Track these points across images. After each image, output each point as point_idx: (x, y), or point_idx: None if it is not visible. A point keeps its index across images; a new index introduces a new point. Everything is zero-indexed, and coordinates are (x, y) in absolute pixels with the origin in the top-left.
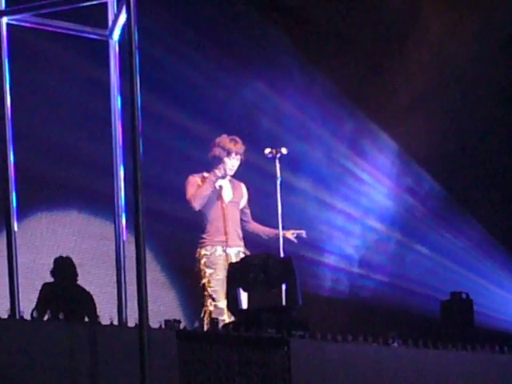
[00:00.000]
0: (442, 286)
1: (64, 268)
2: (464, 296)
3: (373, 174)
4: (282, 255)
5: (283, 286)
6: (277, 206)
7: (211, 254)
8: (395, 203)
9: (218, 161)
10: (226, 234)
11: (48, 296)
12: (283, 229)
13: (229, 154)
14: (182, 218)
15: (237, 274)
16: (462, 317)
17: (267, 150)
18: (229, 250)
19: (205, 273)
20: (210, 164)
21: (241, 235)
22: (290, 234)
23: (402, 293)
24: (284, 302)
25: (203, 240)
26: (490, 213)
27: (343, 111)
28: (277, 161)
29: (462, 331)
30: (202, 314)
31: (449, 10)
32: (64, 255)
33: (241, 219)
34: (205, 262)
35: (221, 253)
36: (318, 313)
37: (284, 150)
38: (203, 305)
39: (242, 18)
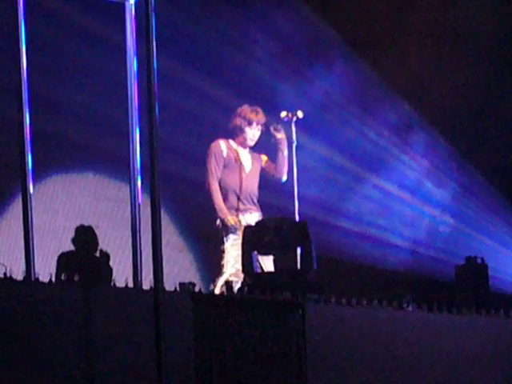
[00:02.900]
0: (457, 251)
1: (85, 238)
2: (479, 261)
3: (387, 137)
4: (297, 219)
5: (298, 250)
6: (292, 170)
7: (233, 221)
8: (410, 167)
9: (239, 131)
10: (239, 205)
11: (66, 265)
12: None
13: (250, 123)
14: (198, 181)
15: (252, 238)
16: (477, 281)
17: (283, 114)
18: (248, 218)
19: (228, 233)
20: (231, 132)
21: (257, 205)
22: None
23: (417, 257)
24: (299, 266)
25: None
26: (506, 177)
27: (357, 74)
28: (293, 124)
29: (476, 296)
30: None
31: None
32: (85, 224)
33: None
34: (234, 223)
35: (243, 222)
36: (333, 277)
37: (300, 114)
38: (221, 267)
39: None
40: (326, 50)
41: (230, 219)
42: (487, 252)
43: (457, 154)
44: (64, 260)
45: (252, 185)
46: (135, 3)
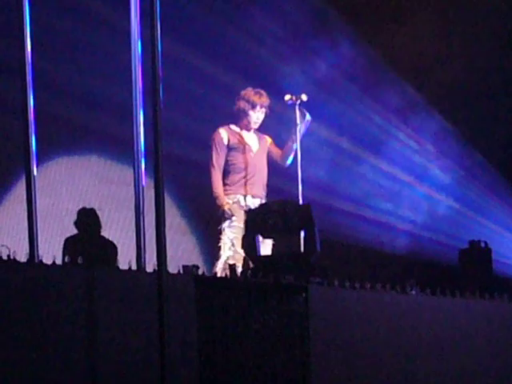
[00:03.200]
0: (461, 235)
1: (88, 220)
2: (483, 245)
3: (391, 119)
4: (300, 202)
5: (302, 233)
6: (296, 153)
7: (233, 202)
8: (414, 149)
9: (243, 114)
10: (246, 184)
11: (72, 249)
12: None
13: (253, 107)
14: (201, 164)
15: (255, 221)
16: (481, 265)
17: (287, 97)
18: (250, 201)
19: (225, 219)
20: (235, 116)
21: (265, 186)
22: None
23: (421, 241)
24: (302, 249)
25: (226, 189)
26: (510, 160)
27: (361, 56)
28: (296, 107)
29: (480, 280)
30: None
31: None
32: (87, 206)
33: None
34: (227, 209)
35: (243, 203)
36: (337, 260)
37: (304, 97)
38: (219, 250)
39: None
40: (330, 32)
41: (226, 205)
42: (491, 236)
43: (461, 136)
44: (70, 243)
45: (261, 164)
46: None
